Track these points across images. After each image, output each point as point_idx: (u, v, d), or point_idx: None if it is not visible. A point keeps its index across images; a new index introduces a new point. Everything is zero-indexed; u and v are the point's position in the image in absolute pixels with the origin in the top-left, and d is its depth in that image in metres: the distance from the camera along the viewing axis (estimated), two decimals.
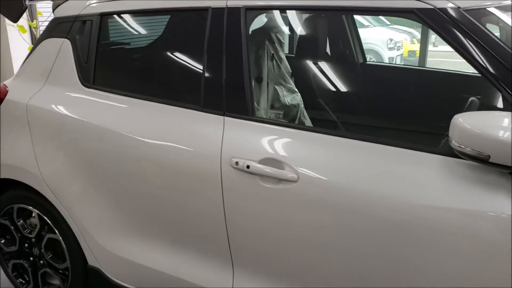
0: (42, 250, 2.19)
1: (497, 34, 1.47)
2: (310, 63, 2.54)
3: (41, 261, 2.24)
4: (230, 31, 1.66)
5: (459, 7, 1.37)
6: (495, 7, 1.52)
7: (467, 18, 1.35)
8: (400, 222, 1.35)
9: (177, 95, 1.84)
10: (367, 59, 2.92)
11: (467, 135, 1.21)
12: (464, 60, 1.34)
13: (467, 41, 1.32)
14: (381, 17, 9.50)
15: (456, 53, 1.36)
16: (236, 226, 1.63)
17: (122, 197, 1.87)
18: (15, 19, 2.28)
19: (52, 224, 2.10)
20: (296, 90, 2.24)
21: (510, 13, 1.58)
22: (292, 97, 2.22)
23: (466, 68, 1.83)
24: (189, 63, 1.90)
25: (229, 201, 1.61)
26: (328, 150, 1.49)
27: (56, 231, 2.10)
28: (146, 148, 1.77)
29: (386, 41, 9.41)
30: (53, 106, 2.00)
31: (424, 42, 4.61)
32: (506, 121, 1.20)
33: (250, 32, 1.72)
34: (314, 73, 2.54)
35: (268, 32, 2.22)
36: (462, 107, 1.82)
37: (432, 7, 1.38)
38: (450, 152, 1.30)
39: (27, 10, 5.64)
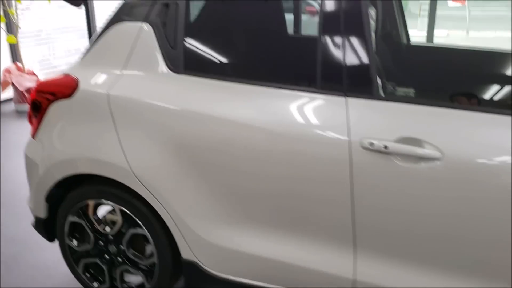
0: (123, 246, 2.09)
1: None
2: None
3: (120, 259, 2.14)
4: (347, 7, 1.63)
5: None
6: None
7: None
8: None
9: (287, 78, 1.78)
10: None
11: None
12: None
13: None
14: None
15: None
16: (365, 208, 1.62)
17: (228, 186, 1.80)
18: (78, 4, 2.13)
19: (137, 219, 2.00)
20: None
21: None
22: None
23: None
24: (300, 44, 1.84)
25: (359, 183, 1.59)
26: (467, 125, 1.50)
27: (142, 226, 2.01)
28: (256, 134, 1.71)
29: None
30: (140, 95, 1.89)
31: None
32: None
33: None
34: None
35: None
36: None
37: None
38: None
39: None
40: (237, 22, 2.14)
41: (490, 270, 1.54)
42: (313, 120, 1.65)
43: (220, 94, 1.80)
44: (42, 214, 2.23)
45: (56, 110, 2.06)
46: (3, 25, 5.96)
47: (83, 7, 4.47)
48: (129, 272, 2.16)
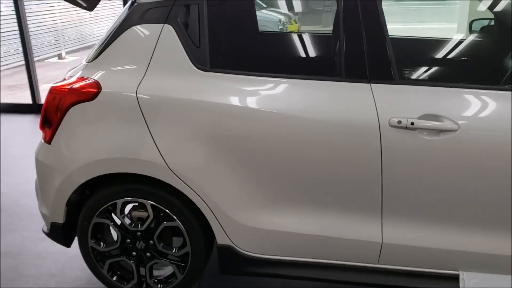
0: (153, 241, 2.16)
1: None
2: None
3: (148, 254, 2.20)
4: (365, 5, 1.86)
5: None
6: None
7: None
8: None
9: (313, 70, 1.97)
10: None
11: None
12: None
13: None
14: (258, 1, 10.14)
15: None
16: (393, 179, 1.86)
17: (265, 172, 1.95)
18: (92, 8, 2.14)
19: (170, 212, 2.09)
20: None
21: None
22: None
23: None
24: (325, 39, 2.03)
25: (388, 157, 1.83)
26: (478, 101, 1.80)
27: (176, 218, 2.09)
28: (292, 122, 1.89)
29: (277, 23, 10.02)
30: (170, 93, 1.97)
31: None
32: None
33: None
34: None
35: None
36: None
37: None
38: None
39: None
40: (250, 20, 2.29)
41: (498, 222, 1.86)
42: (344, 105, 1.86)
43: (251, 87, 1.95)
44: (61, 219, 2.22)
45: (76, 113, 2.06)
46: None
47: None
48: (156, 266, 2.23)
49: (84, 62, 2.34)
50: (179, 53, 2.00)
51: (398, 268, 2.02)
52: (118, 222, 2.19)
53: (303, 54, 2.10)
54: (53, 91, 2.12)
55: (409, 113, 1.81)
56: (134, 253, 2.22)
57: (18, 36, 5.85)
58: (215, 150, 1.96)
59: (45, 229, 2.36)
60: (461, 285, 1.96)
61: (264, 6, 10.66)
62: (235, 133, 1.93)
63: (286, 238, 2.04)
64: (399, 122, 1.80)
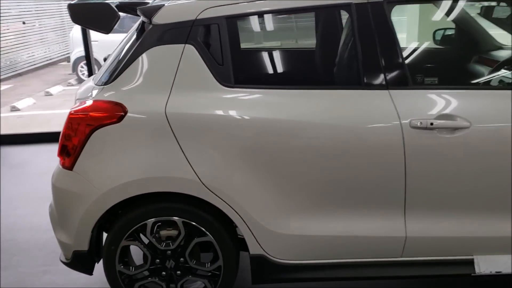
0: (184, 258, 2.17)
1: None
2: None
3: (179, 272, 2.21)
4: (377, 20, 2.03)
5: None
6: None
7: None
8: None
9: (333, 81, 2.10)
10: None
11: None
12: None
13: None
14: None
15: None
16: (415, 176, 2.03)
17: (295, 180, 2.05)
18: (108, 31, 2.13)
19: (202, 227, 2.12)
20: None
21: None
22: None
23: None
24: (342, 52, 2.17)
25: (411, 156, 2.00)
26: (483, 100, 2.03)
27: (208, 233, 2.12)
28: (317, 130, 2.01)
29: None
30: (199, 110, 2.03)
31: None
32: None
33: None
34: None
35: None
36: None
37: None
38: None
39: None
40: (271, 37, 2.39)
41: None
42: (368, 112, 2.01)
43: (277, 100, 2.05)
44: (86, 246, 2.17)
45: (101, 137, 2.05)
46: None
47: None
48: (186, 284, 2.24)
49: (92, 84, 2.33)
50: (203, 72, 2.06)
51: (420, 259, 2.18)
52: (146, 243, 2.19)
53: (324, 66, 2.25)
54: (72, 117, 2.09)
55: (427, 114, 1.99)
56: (164, 273, 2.22)
57: None
58: (246, 163, 2.04)
59: (64, 258, 2.29)
60: (476, 268, 2.16)
61: None
62: (264, 145, 2.02)
63: (315, 242, 2.14)
64: (421, 123, 1.97)
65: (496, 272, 2.16)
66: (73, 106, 2.15)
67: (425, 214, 2.11)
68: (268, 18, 2.32)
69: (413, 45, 3.39)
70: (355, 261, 2.19)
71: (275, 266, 2.17)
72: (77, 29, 10.54)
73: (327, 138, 2.02)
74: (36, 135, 5.52)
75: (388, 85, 2.03)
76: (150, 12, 2.13)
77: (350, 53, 2.10)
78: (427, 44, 3.36)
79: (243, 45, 2.28)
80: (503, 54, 2.83)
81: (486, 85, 2.16)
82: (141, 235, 2.17)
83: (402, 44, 2.14)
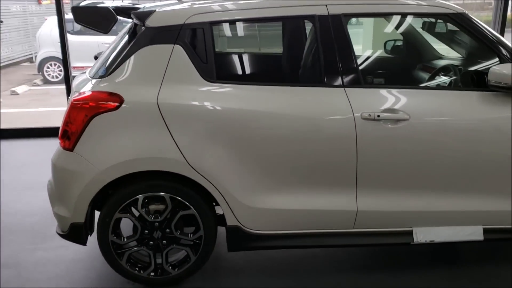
0: (170, 229, 2.51)
1: None
2: None
3: (165, 241, 2.54)
4: (336, 30, 2.46)
5: None
6: None
7: None
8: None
9: (299, 79, 2.50)
10: None
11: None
12: None
13: None
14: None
15: None
16: (365, 159, 2.45)
17: (266, 161, 2.43)
18: (106, 31, 2.46)
19: (187, 202, 2.46)
20: None
21: None
22: None
23: None
24: (307, 55, 2.57)
25: (362, 141, 2.42)
26: (420, 98, 2.48)
27: (191, 207, 2.47)
28: (285, 120, 2.40)
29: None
30: (186, 100, 2.38)
31: None
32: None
33: None
34: None
35: None
36: None
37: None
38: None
39: None
40: (247, 40, 2.78)
41: (444, 185, 2.54)
42: (328, 105, 2.42)
43: (252, 93, 2.44)
44: (83, 219, 2.47)
45: (100, 122, 2.37)
46: None
47: None
48: (171, 251, 2.57)
49: (87, 76, 2.65)
50: (189, 68, 2.43)
51: (369, 230, 2.61)
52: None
53: (292, 67, 2.65)
54: (74, 105, 2.39)
55: (375, 108, 2.43)
56: (151, 242, 2.54)
57: None
58: (225, 146, 2.41)
59: (60, 231, 2.58)
60: (414, 238, 2.61)
61: None
62: (241, 131, 2.40)
63: (282, 215, 2.53)
64: (369, 115, 2.41)
65: (430, 241, 2.61)
66: (74, 96, 2.46)
67: (373, 192, 2.54)
68: (244, 25, 2.72)
69: (367, 53, 3.87)
70: (315, 231, 2.59)
71: (248, 235, 2.55)
72: (44, 31, 10.62)
73: (292, 126, 2.42)
74: (10, 131, 5.67)
75: (344, 84, 2.46)
76: (144, 16, 2.48)
77: (313, 57, 2.52)
78: (379, 52, 3.85)
79: (225, 47, 2.66)
80: (441, 63, 3.34)
81: (424, 86, 2.62)
82: (133, 209, 2.50)
83: (359, 52, 2.59)
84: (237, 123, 2.40)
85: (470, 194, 2.59)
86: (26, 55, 13.64)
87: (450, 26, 3.12)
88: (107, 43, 9.93)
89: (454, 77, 2.91)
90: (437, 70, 3.08)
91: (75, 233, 2.52)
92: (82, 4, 2.68)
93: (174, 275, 2.60)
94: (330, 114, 2.42)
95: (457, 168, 2.52)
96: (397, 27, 3.47)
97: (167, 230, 2.53)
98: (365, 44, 5.77)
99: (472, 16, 2.62)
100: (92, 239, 2.61)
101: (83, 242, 2.57)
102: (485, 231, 2.63)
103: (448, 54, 3.55)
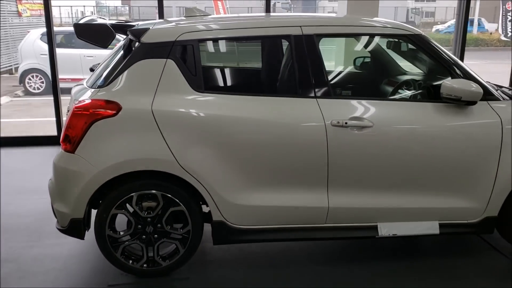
0: (161, 224, 2.78)
1: None
2: None
3: (156, 235, 2.81)
4: (309, 48, 2.81)
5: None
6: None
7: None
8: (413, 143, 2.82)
9: (277, 91, 2.84)
10: None
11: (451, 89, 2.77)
12: None
13: None
14: None
15: None
16: (335, 160, 2.79)
17: (247, 163, 2.74)
18: (105, 46, 2.75)
19: (176, 199, 2.75)
20: None
21: None
22: None
23: None
24: (283, 69, 2.91)
25: (332, 146, 2.76)
26: (383, 108, 2.84)
27: (181, 204, 2.76)
28: (266, 126, 2.72)
29: None
30: (177, 108, 2.68)
31: None
32: (463, 81, 2.79)
33: None
34: None
35: None
36: None
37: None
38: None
39: None
40: (231, 56, 3.11)
41: (406, 185, 2.89)
42: (302, 114, 2.76)
43: (235, 103, 2.76)
44: (82, 214, 2.73)
45: (99, 127, 2.65)
46: None
47: None
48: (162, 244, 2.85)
49: (85, 86, 2.93)
50: (180, 80, 2.74)
51: (339, 225, 2.94)
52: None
53: (271, 80, 2.99)
54: (76, 111, 2.67)
55: (343, 116, 2.77)
56: (144, 236, 2.81)
57: None
58: (212, 149, 2.71)
59: (60, 226, 2.83)
60: (379, 232, 2.95)
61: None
62: (225, 134, 2.71)
63: (262, 211, 2.84)
64: (338, 122, 2.75)
65: (393, 234, 2.96)
66: (75, 104, 2.73)
67: (342, 190, 2.88)
68: (228, 43, 3.05)
69: (339, 68, 4.26)
70: (291, 226, 2.90)
71: (232, 230, 2.84)
72: (26, 43, 10.77)
73: (271, 132, 2.74)
74: None
75: (316, 95, 2.81)
76: (139, 33, 2.79)
77: (289, 71, 2.87)
78: (349, 68, 4.24)
79: (211, 61, 2.99)
80: (404, 78, 3.73)
81: (387, 98, 2.99)
82: (128, 205, 2.77)
83: (332, 68, 2.94)
84: (223, 129, 2.71)
85: (427, 193, 2.95)
86: (6, 67, 13.68)
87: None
88: (89, 55, 10.33)
89: (413, 90, 3.30)
90: (399, 84, 3.46)
91: (74, 228, 2.77)
92: (82, 21, 2.97)
93: (164, 267, 2.88)
94: (304, 121, 2.76)
95: (415, 169, 2.88)
96: (365, 46, 3.87)
97: (159, 225, 2.81)
98: (337, 60, 6.18)
99: (428, 37, 3.02)
100: (87, 237, 2.86)
101: (81, 237, 2.82)
102: (441, 225, 3.00)
103: (411, 70, 3.95)
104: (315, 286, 2.86)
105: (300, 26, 2.84)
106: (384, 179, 2.89)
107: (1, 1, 11.92)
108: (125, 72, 2.74)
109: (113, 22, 3.04)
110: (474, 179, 2.93)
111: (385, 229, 2.97)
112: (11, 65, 13.63)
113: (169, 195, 2.75)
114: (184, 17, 3.13)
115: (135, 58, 2.76)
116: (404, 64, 3.97)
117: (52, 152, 5.41)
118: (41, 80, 10.61)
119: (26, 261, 3.08)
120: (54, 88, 5.75)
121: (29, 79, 10.68)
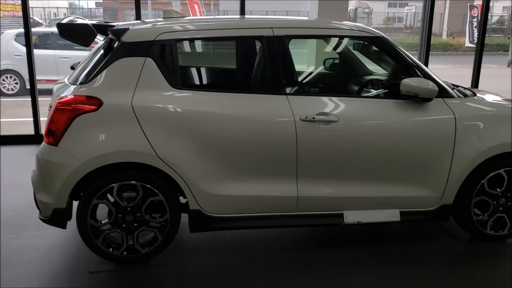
0: (141, 213, 2.94)
1: None
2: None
3: (136, 224, 2.97)
4: (280, 48, 3.02)
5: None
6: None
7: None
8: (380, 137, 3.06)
9: (250, 88, 3.04)
10: None
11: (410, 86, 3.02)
12: None
13: None
14: None
15: None
16: (304, 153, 3.00)
17: (222, 155, 2.93)
18: (87, 45, 2.90)
19: (155, 189, 2.91)
20: None
21: None
22: None
23: None
24: (256, 68, 3.11)
25: (301, 139, 2.98)
26: (348, 104, 3.08)
27: (159, 194, 2.93)
28: (237, 120, 2.92)
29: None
30: (156, 103, 2.86)
31: None
32: (419, 80, 3.05)
33: None
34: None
35: None
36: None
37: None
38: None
39: None
40: (207, 55, 3.30)
41: (369, 175, 3.13)
42: (273, 109, 2.97)
43: (211, 99, 2.95)
44: (64, 204, 2.87)
45: (81, 121, 2.80)
46: None
47: None
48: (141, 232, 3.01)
49: (66, 82, 3.07)
50: (159, 77, 2.91)
51: (308, 213, 3.15)
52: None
53: (245, 78, 3.19)
54: (59, 106, 2.81)
55: (311, 112, 2.99)
56: (124, 225, 2.97)
57: None
58: (189, 142, 2.89)
59: (42, 216, 2.96)
60: (344, 219, 3.17)
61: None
62: (202, 129, 2.90)
63: (236, 200, 3.04)
64: (306, 117, 2.97)
65: (357, 222, 3.19)
66: (58, 99, 2.87)
67: (311, 181, 3.10)
68: (205, 43, 3.24)
69: (310, 68, 4.49)
70: (264, 214, 3.10)
71: (207, 218, 3.03)
72: (1, 43, 10.69)
73: (243, 126, 2.94)
74: None
75: (286, 93, 3.02)
76: (119, 33, 2.96)
77: (262, 70, 3.07)
78: (320, 68, 4.48)
79: (188, 60, 3.17)
80: (369, 77, 3.99)
81: (352, 95, 3.23)
82: (109, 196, 2.92)
83: (303, 68, 3.16)
84: (199, 123, 2.90)
85: (389, 183, 3.19)
86: None
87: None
88: (65, 57, 10.37)
89: (377, 89, 3.55)
90: (364, 83, 3.72)
91: (57, 218, 2.91)
92: (65, 21, 3.12)
93: (143, 254, 3.04)
94: (275, 117, 2.97)
95: (377, 161, 3.12)
96: (334, 48, 4.11)
97: (138, 214, 2.97)
98: (309, 62, 6.44)
99: (389, 40, 3.27)
100: (67, 228, 3.00)
101: (63, 226, 2.95)
102: (402, 213, 3.25)
103: (377, 70, 4.22)
104: (285, 270, 3.06)
105: (272, 28, 3.05)
106: (349, 170, 3.12)
107: None
108: (106, 70, 2.90)
109: (94, 22, 3.20)
110: (431, 170, 3.19)
111: (351, 217, 3.20)
112: None
113: (148, 186, 2.92)
114: (162, 18, 3.31)
115: (115, 56, 2.92)
116: (374, 68, 4.24)
117: (30, 151, 5.50)
118: (15, 81, 10.54)
119: (9, 252, 3.19)
120: (32, 88, 5.82)
121: (3, 80, 10.60)
